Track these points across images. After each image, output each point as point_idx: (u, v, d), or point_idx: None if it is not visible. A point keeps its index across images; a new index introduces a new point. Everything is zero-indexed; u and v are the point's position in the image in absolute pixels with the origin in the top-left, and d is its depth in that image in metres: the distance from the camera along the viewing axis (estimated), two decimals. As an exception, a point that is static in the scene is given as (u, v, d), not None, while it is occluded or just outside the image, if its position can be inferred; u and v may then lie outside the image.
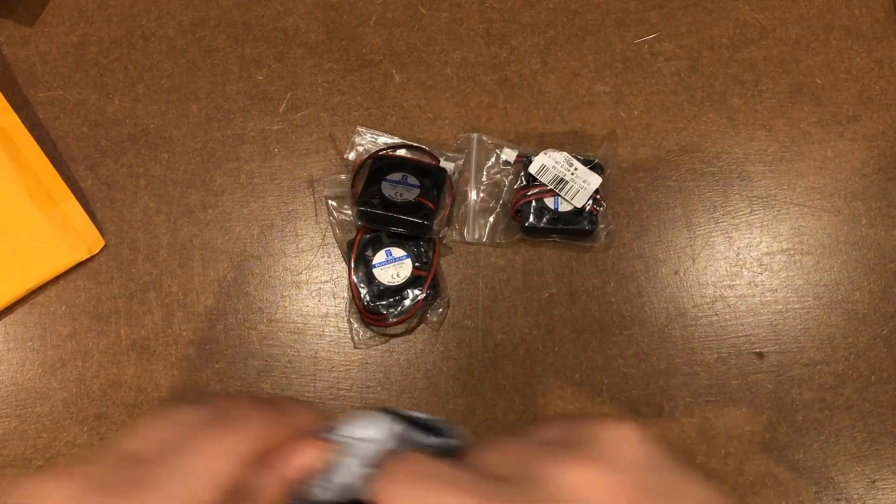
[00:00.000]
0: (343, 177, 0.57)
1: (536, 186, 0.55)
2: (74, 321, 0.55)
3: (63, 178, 0.56)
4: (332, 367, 0.54)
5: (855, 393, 0.54)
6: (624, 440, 0.26)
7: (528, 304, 0.55)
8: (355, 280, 0.53)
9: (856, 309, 0.55)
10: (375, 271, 0.54)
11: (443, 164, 0.56)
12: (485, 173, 0.57)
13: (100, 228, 0.56)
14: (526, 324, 0.55)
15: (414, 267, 0.53)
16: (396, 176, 0.54)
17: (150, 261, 0.56)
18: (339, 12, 0.61)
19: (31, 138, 0.56)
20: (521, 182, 0.56)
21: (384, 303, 0.53)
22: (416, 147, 0.57)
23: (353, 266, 0.54)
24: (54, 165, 0.56)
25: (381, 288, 0.53)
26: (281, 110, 0.59)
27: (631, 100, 0.59)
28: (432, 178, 0.54)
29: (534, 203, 0.55)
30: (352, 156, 0.57)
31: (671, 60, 0.60)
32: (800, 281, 0.56)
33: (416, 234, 0.54)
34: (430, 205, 0.53)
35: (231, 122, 0.58)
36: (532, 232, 0.55)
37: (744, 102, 0.59)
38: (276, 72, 0.59)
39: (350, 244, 0.54)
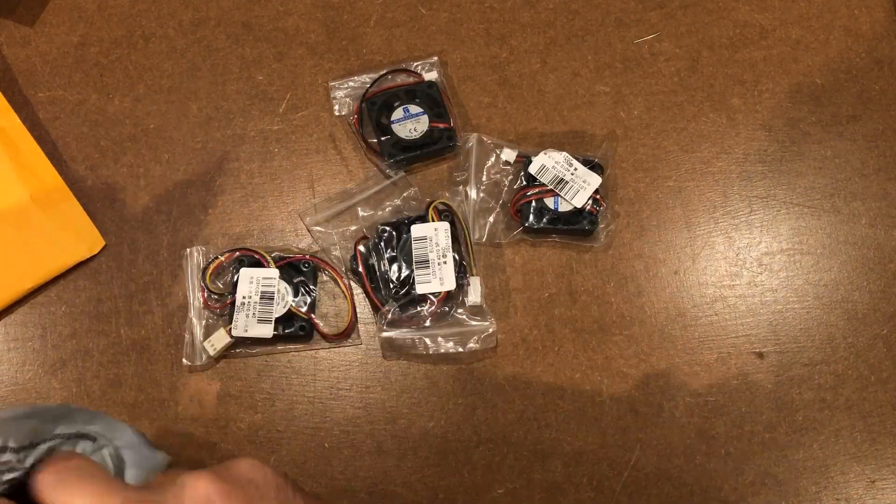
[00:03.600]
0: (324, 203, 0.57)
1: (536, 186, 0.55)
2: (74, 321, 0.55)
3: (63, 178, 0.56)
4: (332, 367, 0.54)
5: (855, 393, 0.54)
6: (242, 464, 0.33)
7: (528, 304, 0.55)
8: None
9: (856, 309, 0.55)
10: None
11: (426, 76, 0.58)
12: (485, 173, 0.57)
13: (100, 228, 0.56)
14: (526, 324, 0.55)
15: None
16: (398, 113, 0.56)
17: (150, 261, 0.56)
18: (339, 12, 0.61)
19: (32, 138, 0.56)
20: (521, 182, 0.56)
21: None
22: (393, 71, 0.58)
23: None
24: (54, 165, 0.56)
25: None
26: (281, 110, 0.59)
27: (631, 100, 0.59)
28: (427, 95, 0.56)
29: (534, 203, 0.55)
30: (339, 109, 0.58)
31: (671, 60, 0.60)
32: (800, 281, 0.56)
33: (446, 153, 0.57)
34: (445, 124, 0.56)
35: (231, 122, 0.58)
36: (532, 232, 0.55)
37: (744, 102, 0.59)
38: (276, 72, 0.59)
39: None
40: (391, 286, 0.53)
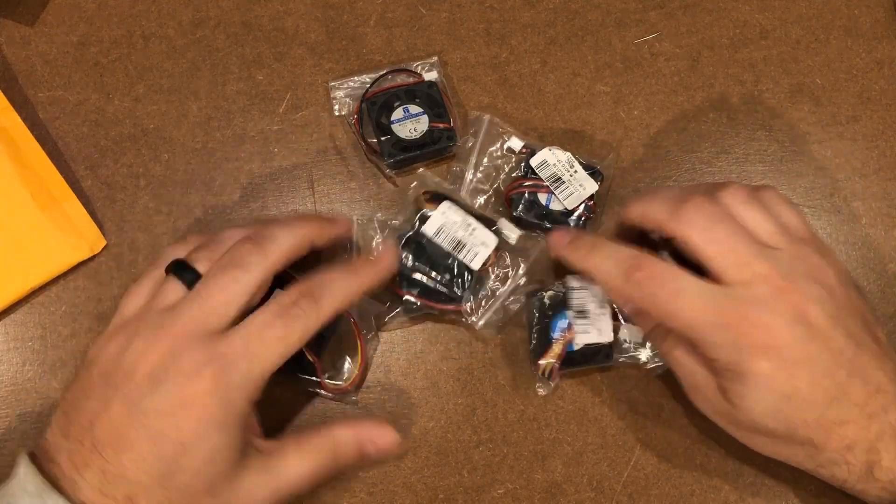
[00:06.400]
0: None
1: (533, 179, 0.55)
2: (74, 321, 0.55)
3: (63, 178, 0.56)
4: (332, 366, 0.54)
5: (855, 393, 0.54)
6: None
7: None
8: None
9: (856, 309, 0.55)
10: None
11: (426, 76, 0.58)
12: (486, 156, 0.56)
13: (100, 228, 0.56)
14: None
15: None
16: (398, 113, 0.56)
17: (150, 261, 0.56)
18: (339, 12, 0.61)
19: (33, 138, 0.56)
20: (520, 172, 0.55)
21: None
22: (393, 71, 0.58)
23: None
24: (55, 165, 0.56)
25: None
26: (281, 110, 0.59)
27: (631, 100, 0.59)
28: (427, 95, 0.56)
29: (526, 195, 0.55)
30: (339, 109, 0.58)
31: (671, 60, 0.60)
32: (800, 281, 0.56)
33: (446, 153, 0.57)
34: (445, 124, 0.56)
35: (231, 122, 0.58)
36: (519, 222, 0.55)
37: (744, 102, 0.59)
38: (276, 72, 0.59)
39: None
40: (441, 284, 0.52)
